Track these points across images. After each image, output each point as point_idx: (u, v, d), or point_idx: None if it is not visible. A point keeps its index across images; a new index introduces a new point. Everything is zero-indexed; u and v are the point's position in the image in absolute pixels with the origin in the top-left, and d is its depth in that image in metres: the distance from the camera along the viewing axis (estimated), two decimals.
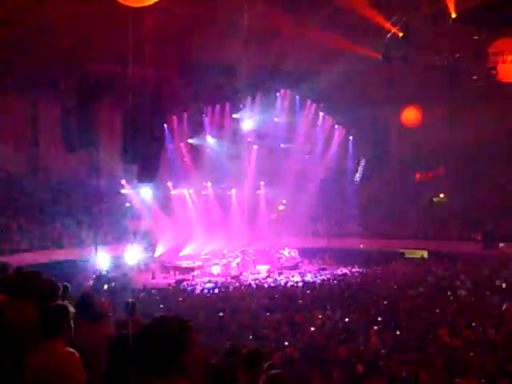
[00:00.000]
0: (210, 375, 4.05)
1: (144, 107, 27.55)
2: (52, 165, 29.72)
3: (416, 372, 8.60)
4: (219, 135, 31.72)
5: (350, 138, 34.13)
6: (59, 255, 25.56)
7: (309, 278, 24.39)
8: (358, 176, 34.68)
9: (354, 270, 26.63)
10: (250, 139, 32.46)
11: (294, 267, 28.70)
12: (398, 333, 11.48)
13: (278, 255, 29.92)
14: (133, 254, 27.79)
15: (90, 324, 4.69)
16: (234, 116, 31.08)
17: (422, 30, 23.21)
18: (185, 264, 27.71)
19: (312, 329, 11.77)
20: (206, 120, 31.35)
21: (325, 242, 31.84)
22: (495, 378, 7.95)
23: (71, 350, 3.57)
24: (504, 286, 18.36)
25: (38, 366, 3.50)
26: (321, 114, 33.20)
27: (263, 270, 27.83)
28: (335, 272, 25.93)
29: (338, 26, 23.13)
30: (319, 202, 32.11)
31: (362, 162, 34.41)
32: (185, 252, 29.20)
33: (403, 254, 30.17)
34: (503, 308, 13.91)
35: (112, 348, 3.98)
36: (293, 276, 25.25)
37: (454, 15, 22.07)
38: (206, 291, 21.08)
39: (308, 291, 18.68)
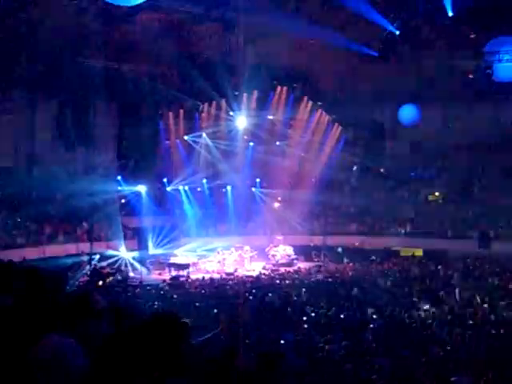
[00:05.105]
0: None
1: (140, 103, 27.57)
2: (48, 161, 29.62)
3: (412, 369, 8.65)
4: (215, 132, 31.67)
5: (345, 135, 34.00)
6: (55, 251, 25.55)
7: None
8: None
9: (349, 267, 26.63)
10: (245, 136, 32.41)
11: (289, 265, 28.65)
12: (393, 331, 11.53)
13: (272, 252, 29.86)
14: (127, 251, 27.77)
15: None
16: (230, 113, 31.02)
17: (418, 29, 23.29)
18: (180, 261, 27.67)
19: (305, 326, 11.79)
20: (202, 117, 31.29)
21: (320, 240, 31.81)
22: (487, 374, 8.01)
23: None
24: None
25: None
26: (317, 111, 33.10)
27: (258, 267, 27.79)
28: (330, 270, 25.92)
29: (334, 23, 23.17)
30: (315, 200, 32.09)
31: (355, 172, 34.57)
32: (180, 249, 29.15)
33: (399, 252, 30.18)
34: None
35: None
36: (288, 273, 25.23)
37: (450, 14, 22.13)
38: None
39: (303, 289, 18.70)
